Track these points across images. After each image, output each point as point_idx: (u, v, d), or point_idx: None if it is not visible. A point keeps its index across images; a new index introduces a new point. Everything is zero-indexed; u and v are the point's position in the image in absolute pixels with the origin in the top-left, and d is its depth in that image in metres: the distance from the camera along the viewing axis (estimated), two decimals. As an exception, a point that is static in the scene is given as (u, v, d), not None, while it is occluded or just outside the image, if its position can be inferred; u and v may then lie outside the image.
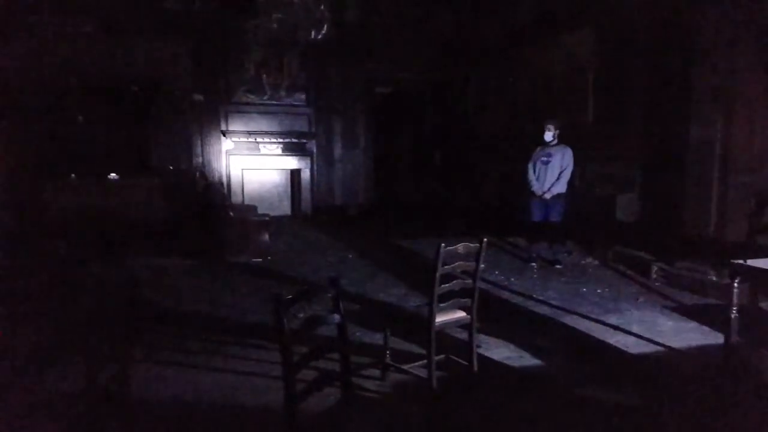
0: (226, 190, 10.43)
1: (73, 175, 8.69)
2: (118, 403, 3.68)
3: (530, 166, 7.32)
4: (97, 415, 3.52)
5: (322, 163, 11.35)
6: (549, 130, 7.19)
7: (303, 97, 11.01)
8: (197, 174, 10.05)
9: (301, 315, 4.57)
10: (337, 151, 11.42)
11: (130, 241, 7.62)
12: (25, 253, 7.02)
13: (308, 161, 11.24)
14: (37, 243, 7.33)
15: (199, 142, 10.45)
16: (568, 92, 8.74)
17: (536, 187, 7.22)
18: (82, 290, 5.92)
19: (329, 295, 2.79)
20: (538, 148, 7.31)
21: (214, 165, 10.62)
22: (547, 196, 7.14)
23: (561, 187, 7.14)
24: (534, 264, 7.30)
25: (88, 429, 3.36)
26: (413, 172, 12.22)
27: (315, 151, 11.26)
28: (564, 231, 7.44)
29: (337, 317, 2.78)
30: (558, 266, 7.21)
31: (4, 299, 5.60)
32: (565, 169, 7.12)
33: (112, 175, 9.01)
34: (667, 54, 7.01)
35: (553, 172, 7.14)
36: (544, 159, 7.20)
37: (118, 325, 4.21)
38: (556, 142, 7.23)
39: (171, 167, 9.97)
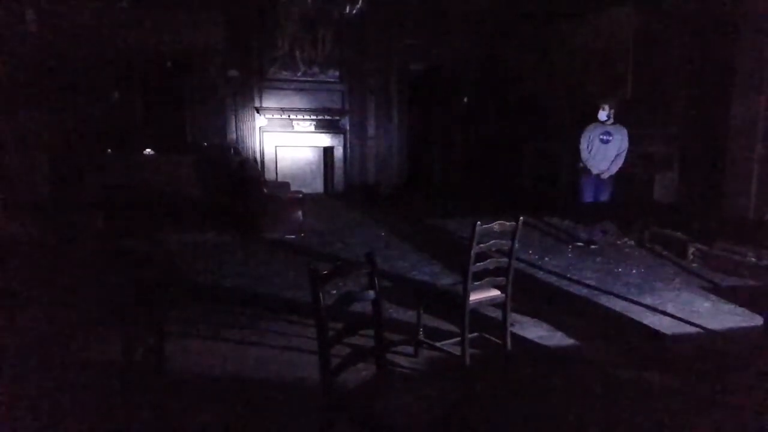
0: (259, 167, 10.51)
1: (109, 150, 8.85)
2: (154, 375, 3.78)
3: (584, 143, 7.04)
4: (134, 386, 3.62)
5: (355, 140, 11.33)
6: (603, 110, 6.96)
7: (336, 73, 10.97)
8: (231, 150, 10.15)
9: (334, 292, 4.61)
10: (371, 128, 11.38)
11: (166, 216, 7.76)
12: (63, 226, 7.19)
13: (341, 139, 11.24)
14: (75, 216, 7.50)
15: (233, 118, 10.53)
16: (607, 68, 8.52)
17: (593, 165, 6.99)
18: (119, 264, 6.05)
19: (365, 271, 2.80)
20: (592, 125, 7.04)
21: (248, 142, 10.70)
22: (605, 176, 6.95)
23: (617, 167, 6.97)
24: (582, 244, 7.12)
25: (124, 400, 3.45)
26: (447, 150, 12.11)
27: (348, 128, 11.25)
28: (606, 211, 7.26)
29: (372, 294, 2.79)
30: (593, 246, 7.07)
31: (43, 272, 5.76)
32: (624, 150, 6.92)
33: (148, 150, 9.16)
34: (711, 32, 6.79)
35: (612, 152, 6.93)
36: (603, 138, 6.95)
37: (154, 299, 4.32)
38: (612, 121, 7.00)
39: (205, 143, 10.09)
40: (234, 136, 10.55)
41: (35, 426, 3.19)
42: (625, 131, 6.95)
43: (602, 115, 6.96)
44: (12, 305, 4.86)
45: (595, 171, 6.96)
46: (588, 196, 7.07)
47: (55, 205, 7.81)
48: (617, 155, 6.91)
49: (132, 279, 5.44)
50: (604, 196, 7.03)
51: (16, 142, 7.66)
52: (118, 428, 3.19)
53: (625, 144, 6.92)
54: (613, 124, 6.98)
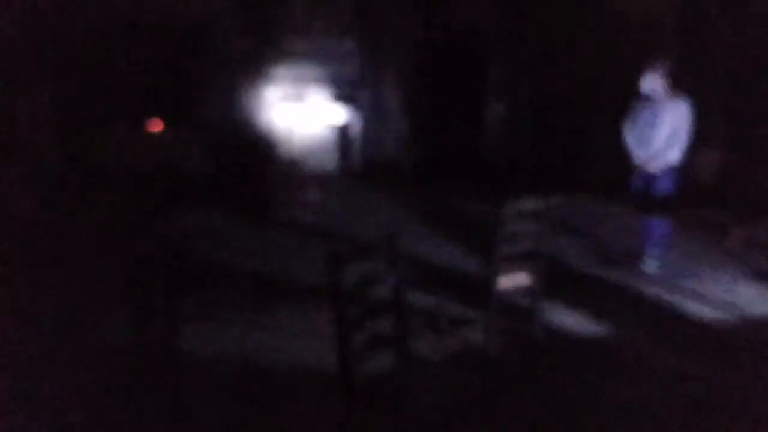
0: (273, 144, 10.37)
1: (118, 125, 8.77)
2: (167, 358, 3.72)
3: (628, 126, 5.50)
4: (146, 369, 3.57)
5: (373, 115, 11.11)
6: (652, 77, 5.21)
7: (354, 44, 10.72)
8: (244, 126, 10.02)
9: (353, 274, 4.48)
10: (389, 102, 11.15)
11: (177, 194, 7.68)
12: (72, 203, 7.18)
13: (358, 113, 11.02)
14: (84, 194, 7.47)
15: (246, 92, 10.38)
16: (645, 35, 8.10)
17: (638, 154, 5.38)
18: (131, 244, 6.01)
19: (385, 253, 2.70)
20: (638, 101, 5.45)
21: (261, 116, 10.54)
22: (653, 168, 5.31)
23: (674, 155, 5.19)
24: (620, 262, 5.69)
25: (136, 383, 3.40)
26: (471, 126, 11.83)
27: (365, 103, 11.02)
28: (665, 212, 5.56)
29: (393, 277, 2.70)
30: (648, 268, 5.48)
31: (53, 250, 5.74)
32: (681, 129, 5.16)
33: (159, 126, 9.07)
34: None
35: (663, 134, 5.20)
36: (650, 116, 5.28)
37: (166, 280, 4.29)
38: (667, 92, 5.23)
39: (217, 118, 9.96)
40: (246, 110, 10.41)
41: (48, 406, 3.17)
42: (681, 104, 5.18)
43: (648, 85, 5.25)
44: (24, 284, 4.85)
45: (638, 161, 5.38)
46: (638, 194, 5.49)
47: (65, 182, 7.79)
48: (672, 136, 5.18)
49: (144, 259, 5.42)
50: (663, 193, 5.34)
51: (26, 117, 7.65)
52: (131, 411, 3.16)
53: (682, 121, 5.16)
54: (668, 96, 5.24)
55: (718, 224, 6.54)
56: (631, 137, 5.43)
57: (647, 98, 5.32)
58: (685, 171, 5.40)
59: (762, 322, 4.36)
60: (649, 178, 5.34)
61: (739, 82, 6.79)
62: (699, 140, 6.91)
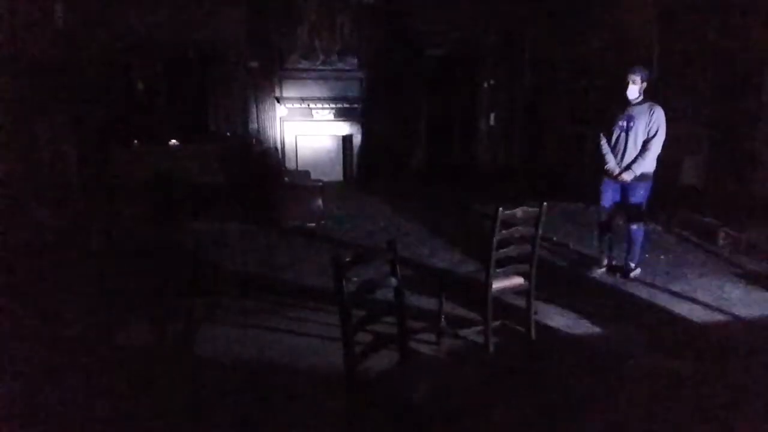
0: (280, 156, 10.51)
1: (136, 141, 8.92)
2: (183, 360, 3.83)
3: (602, 133, 5.35)
4: (163, 371, 3.67)
5: (374, 128, 11.24)
6: (633, 83, 5.04)
7: (355, 61, 10.88)
8: (253, 140, 10.16)
9: (356, 279, 4.60)
10: (389, 115, 11.28)
11: (190, 204, 7.81)
12: (91, 215, 7.30)
13: (360, 126, 11.17)
14: (103, 206, 7.61)
15: (254, 108, 10.52)
16: (632, 46, 8.28)
17: (611, 163, 5.25)
18: (147, 252, 6.14)
19: (386, 258, 2.79)
20: (614, 109, 5.29)
21: (269, 131, 10.68)
22: (626, 177, 5.13)
23: (647, 165, 5.12)
24: (602, 270, 5.57)
25: (153, 385, 3.50)
26: (468, 136, 11.96)
27: (367, 116, 11.16)
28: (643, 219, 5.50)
29: (394, 281, 2.79)
30: (633, 274, 5.44)
31: (72, 260, 5.86)
32: (653, 137, 5.04)
33: (173, 141, 9.21)
34: (743, 6, 6.58)
35: (635, 142, 5.11)
36: (623, 123, 5.12)
37: (181, 286, 4.37)
38: (641, 98, 5.13)
39: (228, 134, 10.11)
40: (255, 125, 10.55)
41: (66, 408, 3.24)
42: (657, 111, 5.06)
43: (632, 90, 5.07)
44: (43, 292, 4.96)
45: (612, 171, 5.23)
46: (609, 203, 5.40)
47: (85, 196, 7.92)
48: (646, 145, 5.09)
49: (160, 267, 5.55)
50: (634, 200, 5.26)
51: (46, 135, 7.77)
52: (148, 412, 3.23)
53: (656, 128, 5.04)
54: (641, 102, 5.14)
55: (707, 228, 6.63)
56: (606, 145, 5.30)
57: (625, 106, 5.19)
58: (656, 179, 5.37)
59: (750, 323, 4.43)
60: (623, 186, 5.26)
61: (723, 88, 6.92)
62: (685, 146, 7.11)
